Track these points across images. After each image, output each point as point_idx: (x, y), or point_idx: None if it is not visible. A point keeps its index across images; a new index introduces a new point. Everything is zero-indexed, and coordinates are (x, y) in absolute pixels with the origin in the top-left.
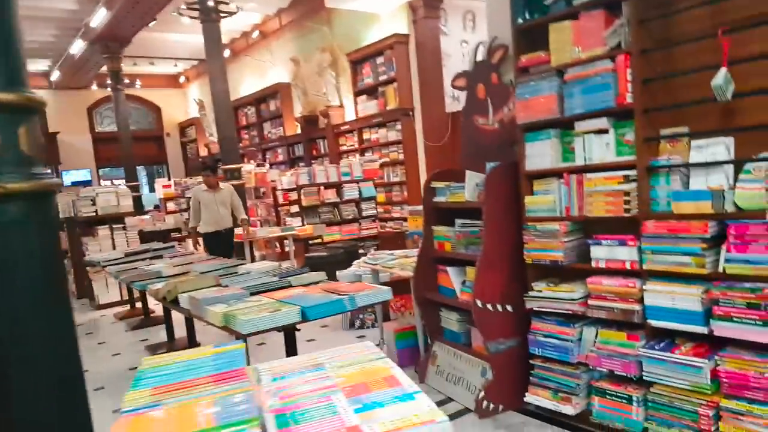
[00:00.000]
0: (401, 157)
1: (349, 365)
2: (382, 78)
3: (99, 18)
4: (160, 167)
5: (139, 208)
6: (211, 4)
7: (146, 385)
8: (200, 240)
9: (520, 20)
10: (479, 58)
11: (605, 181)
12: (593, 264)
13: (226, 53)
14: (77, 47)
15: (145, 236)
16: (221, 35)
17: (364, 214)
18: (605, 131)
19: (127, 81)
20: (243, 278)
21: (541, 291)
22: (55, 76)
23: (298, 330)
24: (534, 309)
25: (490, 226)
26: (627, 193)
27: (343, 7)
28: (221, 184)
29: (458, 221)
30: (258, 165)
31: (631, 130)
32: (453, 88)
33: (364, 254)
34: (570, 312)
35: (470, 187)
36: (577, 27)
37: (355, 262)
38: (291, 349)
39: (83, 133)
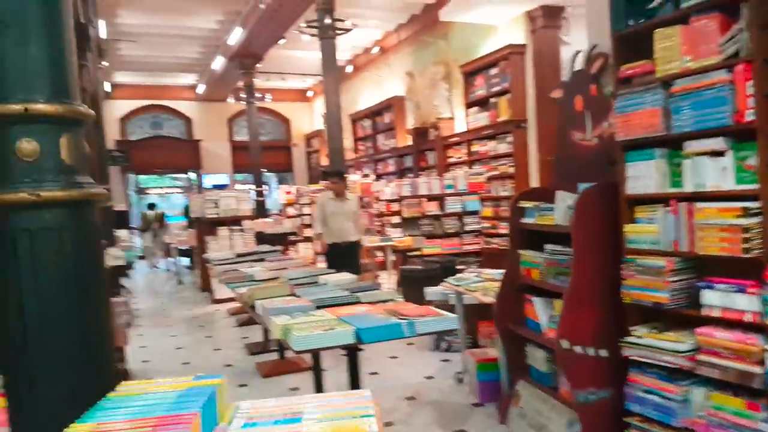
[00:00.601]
0: (511, 170)
1: (328, 420)
2: (495, 89)
3: (236, 36)
4: (287, 174)
5: (262, 211)
6: (328, 21)
7: (97, 417)
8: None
9: (620, 26)
10: (577, 67)
11: (720, 213)
12: (705, 311)
13: (349, 68)
14: (218, 63)
15: (264, 238)
16: (343, 52)
17: (467, 228)
18: (721, 153)
19: (259, 95)
20: (316, 290)
21: (641, 337)
22: (201, 89)
23: (361, 350)
24: (632, 358)
25: (580, 255)
26: (746, 230)
27: (458, 20)
28: (348, 194)
29: (548, 246)
30: (363, 176)
31: (755, 154)
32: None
33: (462, 270)
34: (675, 366)
35: (561, 209)
36: (686, 33)
37: (446, 280)
38: (353, 371)
39: (223, 141)
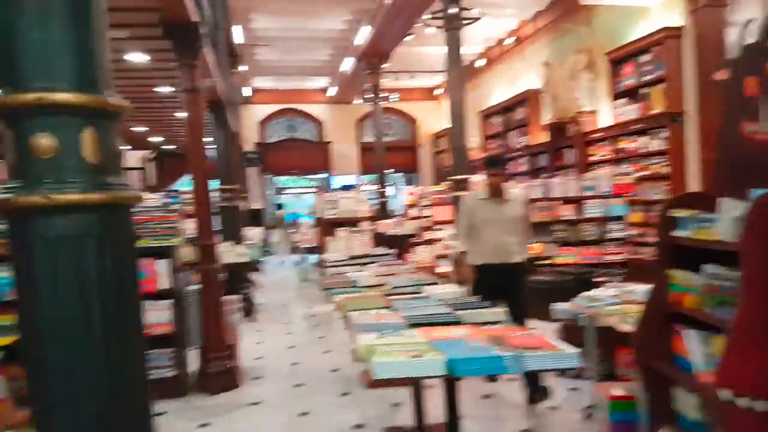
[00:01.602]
0: (665, 170)
1: None
2: (647, 78)
3: (363, 35)
4: (414, 175)
5: (384, 212)
6: (453, 11)
7: None
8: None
9: None
10: (749, 40)
11: None
12: None
13: (480, 62)
14: (347, 65)
15: (384, 239)
16: (474, 45)
17: (610, 236)
18: None
19: (384, 95)
20: (415, 304)
21: None
22: (331, 92)
23: (458, 379)
24: None
25: (751, 281)
26: None
27: (604, 3)
28: (510, 192)
29: (707, 267)
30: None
31: None
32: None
33: (601, 284)
34: None
35: (725, 221)
36: None
37: (580, 296)
38: (450, 401)
39: (351, 143)
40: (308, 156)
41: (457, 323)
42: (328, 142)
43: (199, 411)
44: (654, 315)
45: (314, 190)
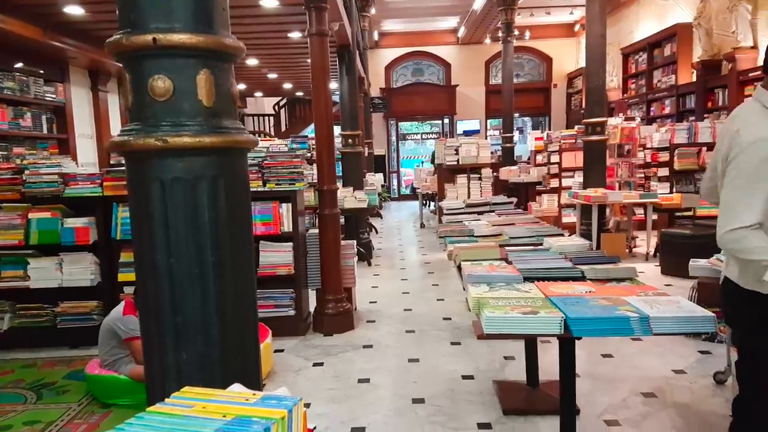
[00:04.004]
0: None
1: None
2: None
3: None
4: (542, 119)
5: (509, 158)
6: None
7: None
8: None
9: None
10: None
11: None
12: None
13: None
14: (479, 2)
15: (508, 187)
16: None
17: None
18: None
19: (517, 33)
20: (532, 256)
21: None
22: (461, 32)
23: (578, 338)
24: None
25: None
26: None
27: None
28: None
29: None
30: (626, 119)
31: None
32: None
33: None
34: None
35: None
36: None
37: (719, 255)
38: (567, 362)
39: (478, 86)
40: (433, 100)
41: (579, 278)
42: (455, 86)
43: (315, 350)
44: None
45: (436, 135)
